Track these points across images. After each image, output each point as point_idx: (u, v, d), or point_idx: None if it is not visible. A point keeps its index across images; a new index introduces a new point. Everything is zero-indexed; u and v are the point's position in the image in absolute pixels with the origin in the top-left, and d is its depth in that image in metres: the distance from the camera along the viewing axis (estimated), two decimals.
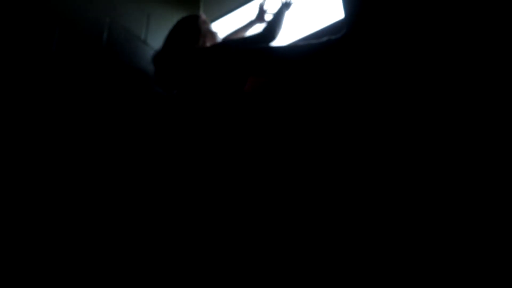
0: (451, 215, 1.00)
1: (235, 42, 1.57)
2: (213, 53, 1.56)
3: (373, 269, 1.04)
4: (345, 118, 1.30)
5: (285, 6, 1.74)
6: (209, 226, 1.39)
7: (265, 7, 1.91)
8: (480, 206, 0.97)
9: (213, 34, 1.72)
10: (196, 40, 1.64)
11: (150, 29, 1.80)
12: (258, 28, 1.92)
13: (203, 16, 1.75)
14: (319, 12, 1.88)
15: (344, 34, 1.38)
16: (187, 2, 2.19)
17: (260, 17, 1.91)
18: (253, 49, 1.51)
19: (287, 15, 1.72)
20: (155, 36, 1.80)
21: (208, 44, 1.67)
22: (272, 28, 1.60)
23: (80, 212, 1.30)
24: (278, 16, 1.66)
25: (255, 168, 1.41)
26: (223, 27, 2.26)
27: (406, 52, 1.23)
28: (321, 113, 1.36)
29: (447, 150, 1.07)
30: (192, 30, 1.66)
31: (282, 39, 1.71)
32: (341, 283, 1.06)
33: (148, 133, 1.63)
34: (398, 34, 1.26)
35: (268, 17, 1.90)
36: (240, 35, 1.92)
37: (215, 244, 1.35)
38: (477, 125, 1.05)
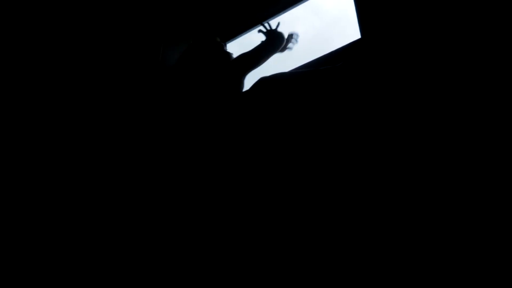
0: (451, 215, 0.97)
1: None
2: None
3: (373, 268, 1.01)
4: (345, 122, 1.26)
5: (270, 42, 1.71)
6: (206, 225, 1.35)
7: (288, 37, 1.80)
8: (479, 206, 0.95)
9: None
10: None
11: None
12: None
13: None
14: (335, 32, 1.88)
15: (340, 65, 1.37)
16: None
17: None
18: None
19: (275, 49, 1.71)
20: None
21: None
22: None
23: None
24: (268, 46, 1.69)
25: (251, 168, 1.38)
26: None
27: (423, 71, 1.19)
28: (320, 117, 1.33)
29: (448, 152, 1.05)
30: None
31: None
32: (340, 282, 1.04)
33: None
34: (416, 55, 1.23)
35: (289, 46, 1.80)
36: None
37: (210, 242, 1.31)
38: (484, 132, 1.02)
